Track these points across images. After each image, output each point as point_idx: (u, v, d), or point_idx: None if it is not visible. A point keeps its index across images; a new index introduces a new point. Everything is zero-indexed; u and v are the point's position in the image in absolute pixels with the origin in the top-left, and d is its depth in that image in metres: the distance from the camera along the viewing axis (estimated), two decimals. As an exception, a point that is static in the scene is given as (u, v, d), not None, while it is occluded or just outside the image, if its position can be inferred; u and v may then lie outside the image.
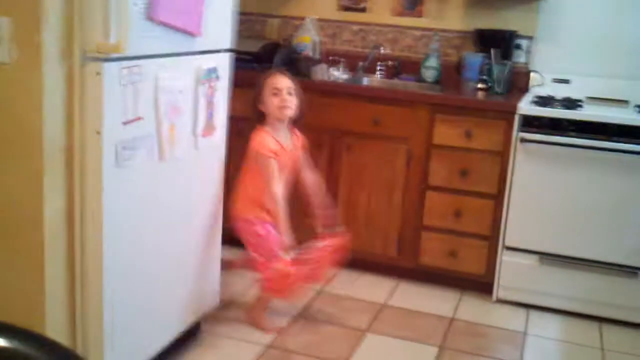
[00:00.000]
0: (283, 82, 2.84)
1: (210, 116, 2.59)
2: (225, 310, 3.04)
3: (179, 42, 2.31)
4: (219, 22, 2.57)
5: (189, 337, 2.72)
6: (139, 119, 2.14)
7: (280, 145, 2.85)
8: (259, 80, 2.90)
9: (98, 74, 1.96)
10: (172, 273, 2.49)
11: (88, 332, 2.12)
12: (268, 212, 2.83)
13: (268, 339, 2.85)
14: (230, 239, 3.66)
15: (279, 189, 2.80)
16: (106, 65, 1.96)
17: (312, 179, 3.03)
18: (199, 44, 2.44)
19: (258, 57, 3.74)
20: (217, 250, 2.81)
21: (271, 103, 2.82)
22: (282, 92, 2.81)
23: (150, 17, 2.10)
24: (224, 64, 2.65)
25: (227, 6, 2.63)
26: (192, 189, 2.55)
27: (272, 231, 2.83)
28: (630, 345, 3.06)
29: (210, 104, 2.58)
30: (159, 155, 2.27)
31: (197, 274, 2.66)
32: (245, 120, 3.61)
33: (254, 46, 3.83)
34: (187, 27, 2.34)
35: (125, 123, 2.08)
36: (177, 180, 2.42)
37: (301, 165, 3.01)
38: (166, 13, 2.17)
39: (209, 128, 2.60)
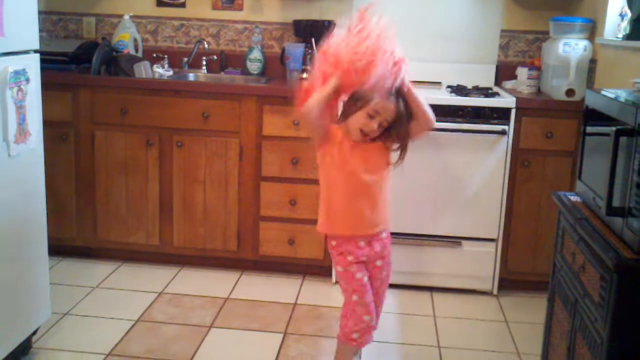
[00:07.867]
0: (388, 111, 2.27)
1: (22, 121, 2.45)
2: (60, 322, 2.91)
3: (-22, 45, 2.16)
4: (23, 23, 2.43)
5: (18, 355, 2.56)
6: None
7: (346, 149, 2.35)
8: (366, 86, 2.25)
9: None
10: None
11: None
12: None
13: (107, 347, 2.74)
14: (57, 250, 3.50)
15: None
16: None
17: None
18: (3, 45, 2.29)
19: (75, 58, 3.57)
20: (43, 263, 2.66)
21: (358, 118, 2.28)
22: (377, 120, 2.27)
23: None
24: (33, 65, 2.51)
25: (31, 6, 2.48)
26: (8, 199, 2.40)
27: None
28: (458, 309, 3.28)
29: (21, 108, 2.43)
30: (-36, 166, 2.11)
31: (21, 291, 2.51)
32: (65, 124, 3.45)
33: (71, 46, 3.66)
34: (-14, 29, 2.20)
35: None
36: (-11, 191, 2.27)
37: None
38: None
39: (23, 134, 2.46)
